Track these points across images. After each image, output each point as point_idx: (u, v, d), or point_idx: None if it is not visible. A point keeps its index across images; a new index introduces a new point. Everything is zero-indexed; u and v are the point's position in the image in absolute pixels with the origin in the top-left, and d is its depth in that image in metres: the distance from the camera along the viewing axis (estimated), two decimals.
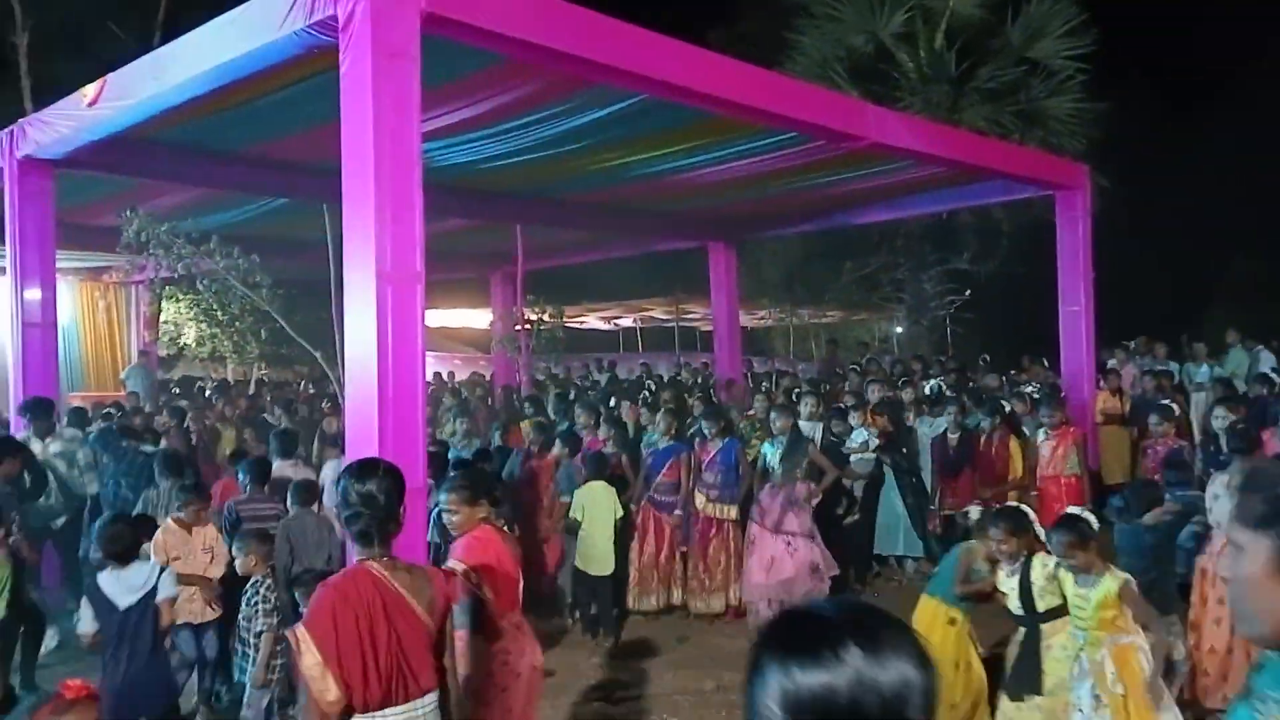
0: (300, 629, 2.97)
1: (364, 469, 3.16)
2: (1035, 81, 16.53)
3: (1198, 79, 21.82)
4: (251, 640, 5.24)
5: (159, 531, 5.90)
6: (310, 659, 2.90)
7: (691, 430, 8.83)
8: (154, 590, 4.90)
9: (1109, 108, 16.21)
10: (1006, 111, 16.48)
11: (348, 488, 3.08)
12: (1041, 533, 4.93)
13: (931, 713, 1.11)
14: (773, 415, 8.04)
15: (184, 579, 5.51)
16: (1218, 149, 20.49)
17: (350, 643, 2.93)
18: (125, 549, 4.97)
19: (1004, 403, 9.43)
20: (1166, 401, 9.41)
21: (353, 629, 2.94)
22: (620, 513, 7.62)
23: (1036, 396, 9.68)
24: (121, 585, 4.85)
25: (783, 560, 7.38)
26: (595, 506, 7.51)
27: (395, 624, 3.02)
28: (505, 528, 5.26)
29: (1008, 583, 4.88)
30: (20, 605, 5.98)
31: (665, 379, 16.18)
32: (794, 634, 1.18)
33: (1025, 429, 8.94)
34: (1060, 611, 4.71)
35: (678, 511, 7.98)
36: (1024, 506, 5.26)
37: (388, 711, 3.01)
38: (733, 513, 7.86)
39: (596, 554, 7.45)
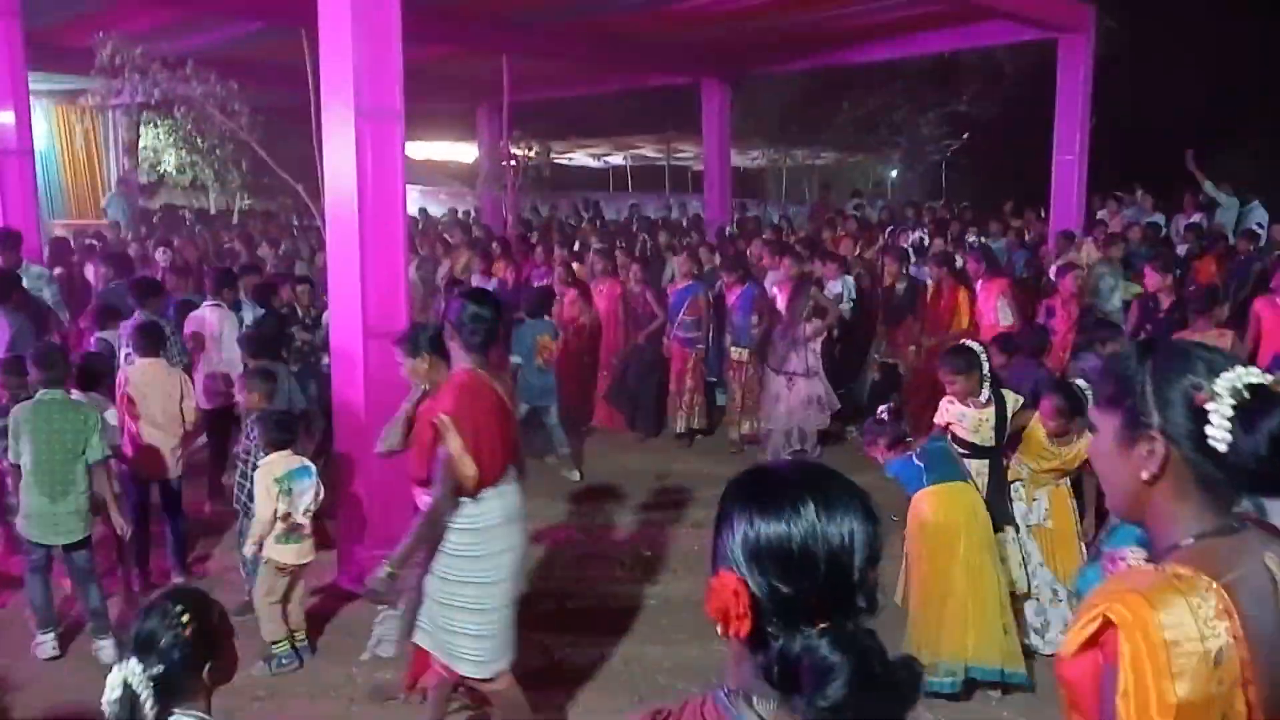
0: (444, 417, 3.47)
1: (477, 297, 3.76)
2: None
3: None
4: (251, 474, 5.07)
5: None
6: (455, 442, 3.44)
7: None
8: None
9: None
10: None
11: (465, 308, 3.58)
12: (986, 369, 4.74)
13: (874, 561, 1.26)
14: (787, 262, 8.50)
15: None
16: None
17: (480, 426, 3.51)
18: None
19: (953, 255, 9.32)
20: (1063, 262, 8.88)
21: (482, 417, 3.53)
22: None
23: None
24: None
25: (784, 395, 7.85)
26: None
27: (502, 416, 3.65)
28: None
29: (975, 415, 4.76)
30: None
31: (654, 221, 15.94)
32: (758, 489, 1.31)
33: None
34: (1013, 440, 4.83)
35: (700, 346, 8.64)
36: (972, 343, 4.96)
37: (500, 486, 3.64)
38: (745, 355, 8.33)
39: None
